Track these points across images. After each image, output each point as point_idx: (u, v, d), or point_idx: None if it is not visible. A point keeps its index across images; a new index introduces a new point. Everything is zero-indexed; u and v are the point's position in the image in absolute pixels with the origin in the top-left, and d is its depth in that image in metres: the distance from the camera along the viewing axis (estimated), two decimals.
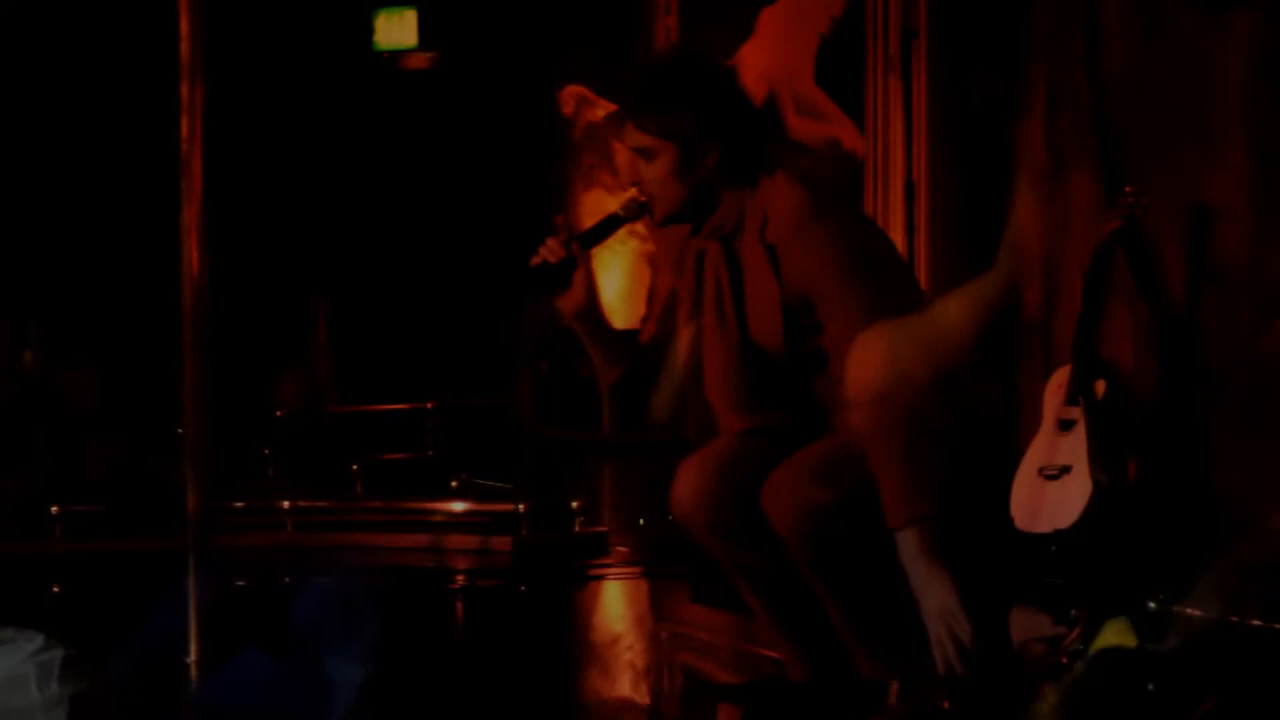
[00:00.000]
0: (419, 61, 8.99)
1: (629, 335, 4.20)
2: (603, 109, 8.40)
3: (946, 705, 3.78)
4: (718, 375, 4.05)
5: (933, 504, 3.73)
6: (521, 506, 6.76)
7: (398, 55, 8.99)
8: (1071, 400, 5.60)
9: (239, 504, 6.90)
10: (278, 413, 8.17)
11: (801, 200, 3.94)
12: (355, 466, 7.64)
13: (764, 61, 7.76)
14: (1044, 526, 5.59)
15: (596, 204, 8.32)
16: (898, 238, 6.67)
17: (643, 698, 4.78)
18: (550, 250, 3.95)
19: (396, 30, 8.91)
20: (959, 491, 3.87)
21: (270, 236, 8.45)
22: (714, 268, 4.02)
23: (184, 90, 3.95)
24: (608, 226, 4.05)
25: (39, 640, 2.84)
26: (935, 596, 3.74)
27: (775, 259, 3.89)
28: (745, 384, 4.04)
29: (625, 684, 4.94)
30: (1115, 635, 3.87)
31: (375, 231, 8.88)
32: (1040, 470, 5.64)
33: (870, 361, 3.79)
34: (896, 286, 4.04)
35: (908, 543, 3.72)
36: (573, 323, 4.05)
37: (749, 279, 3.97)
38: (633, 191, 4.01)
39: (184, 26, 3.92)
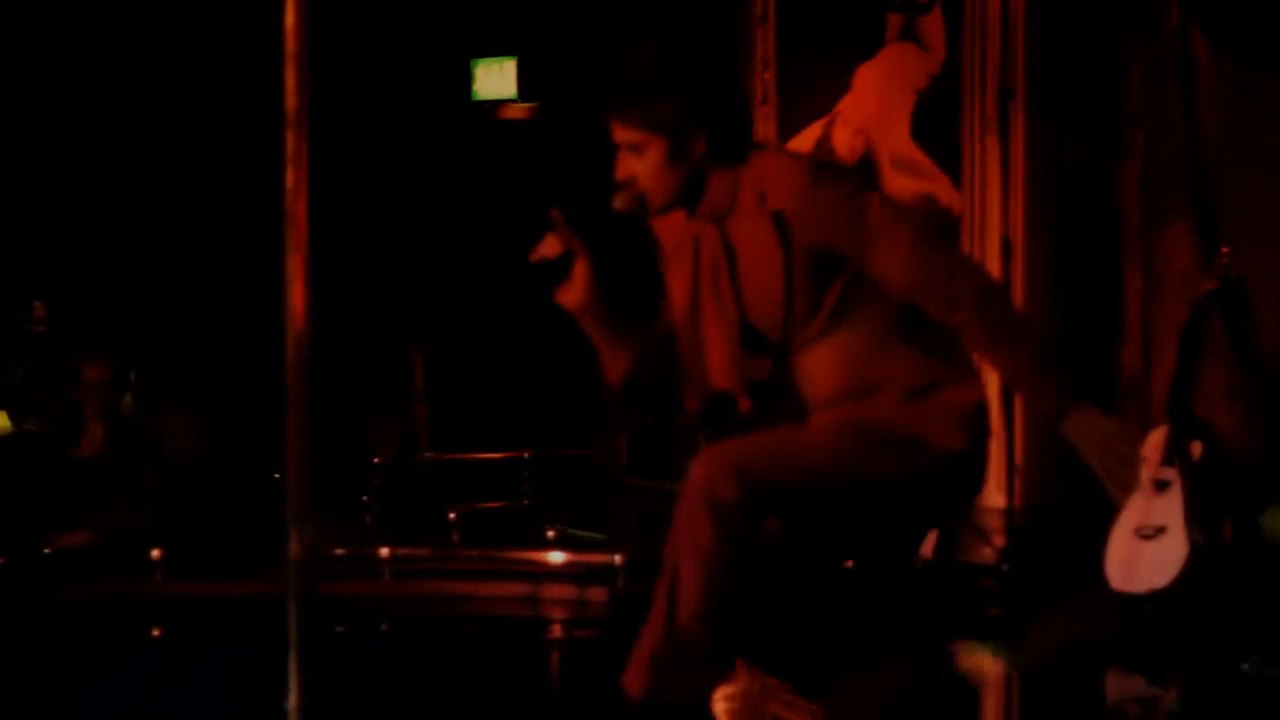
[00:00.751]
0: (517, 112, 9.05)
1: (636, 327, 4.16)
2: None
3: None
4: (720, 359, 4.05)
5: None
6: (617, 558, 6.76)
7: (497, 105, 9.06)
8: (1168, 461, 5.60)
9: (338, 551, 6.94)
10: (376, 460, 8.22)
11: (799, 165, 4.02)
12: (452, 515, 7.67)
13: (861, 117, 7.80)
14: (1140, 587, 5.59)
15: None
16: None
17: None
18: (549, 245, 3.99)
19: (496, 81, 8.97)
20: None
21: (370, 284, 8.53)
22: (711, 250, 4.02)
23: (289, 140, 4.00)
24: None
25: None
26: (1094, 430, 3.71)
27: (783, 226, 3.86)
28: (746, 365, 4.03)
29: None
30: None
31: (473, 280, 8.93)
32: (1136, 530, 5.64)
33: (944, 252, 3.93)
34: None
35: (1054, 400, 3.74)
36: (576, 316, 4.05)
37: (745, 256, 3.96)
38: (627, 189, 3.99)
39: (290, 78, 3.97)
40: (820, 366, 3.92)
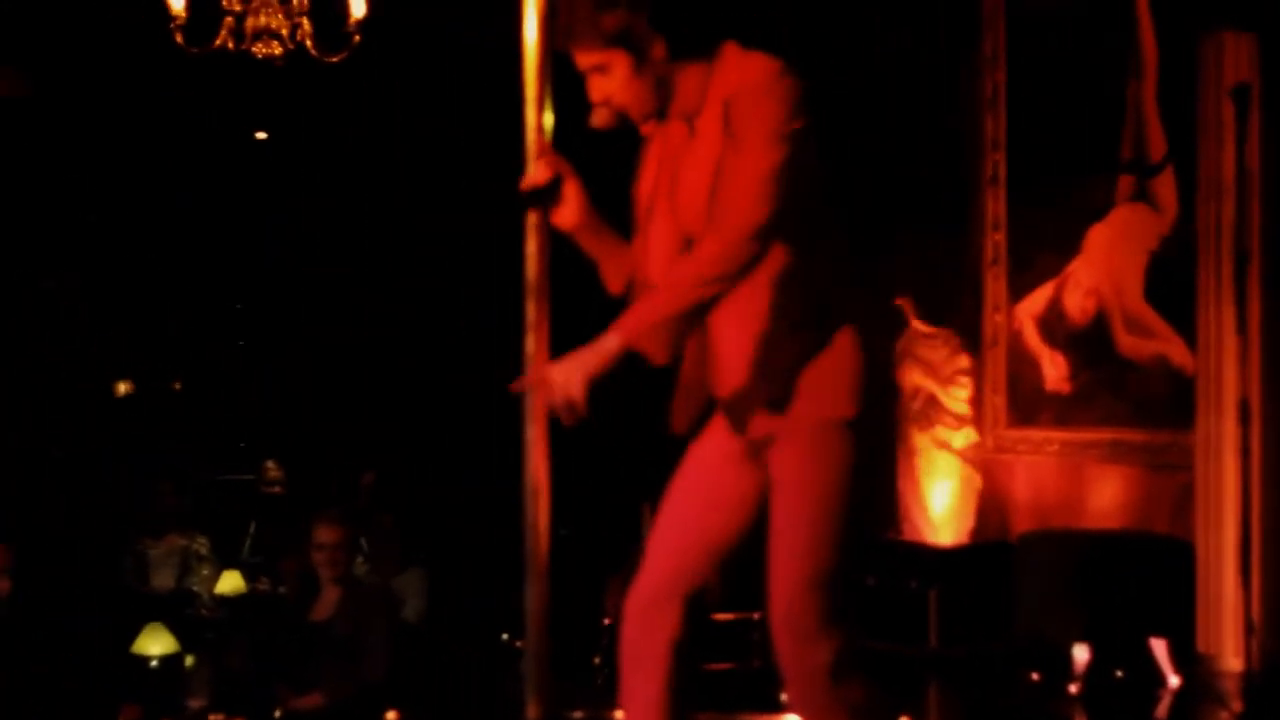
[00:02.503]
0: None
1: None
2: (924, 327, 8.40)
3: None
4: (659, 260, 4.01)
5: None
6: None
7: None
8: None
9: (573, 715, 6.93)
10: (605, 621, 8.24)
11: (764, 60, 3.87)
12: None
13: (1093, 278, 7.75)
14: None
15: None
16: (1229, 459, 6.57)
17: None
18: (538, 172, 3.95)
19: None
20: None
21: (600, 446, 8.60)
22: (671, 148, 4.01)
23: (530, 308, 4.08)
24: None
25: None
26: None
27: (727, 117, 3.84)
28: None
29: None
30: None
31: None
32: None
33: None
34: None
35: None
36: (573, 235, 4.04)
37: (695, 153, 3.93)
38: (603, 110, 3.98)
39: (531, 246, 4.06)
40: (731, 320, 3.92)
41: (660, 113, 3.98)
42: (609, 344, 3.77)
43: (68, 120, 9.68)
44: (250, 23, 7.72)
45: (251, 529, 10.03)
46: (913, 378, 8.38)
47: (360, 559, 8.38)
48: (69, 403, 10.15)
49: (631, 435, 8.81)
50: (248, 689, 7.20)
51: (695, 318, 3.91)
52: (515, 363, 4.13)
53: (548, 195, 3.98)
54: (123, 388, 11.37)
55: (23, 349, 9.52)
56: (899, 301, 8.44)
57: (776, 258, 3.84)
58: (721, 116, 3.84)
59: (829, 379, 3.89)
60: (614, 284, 4.12)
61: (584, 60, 3.91)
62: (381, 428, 9.17)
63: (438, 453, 8.86)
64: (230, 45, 7.74)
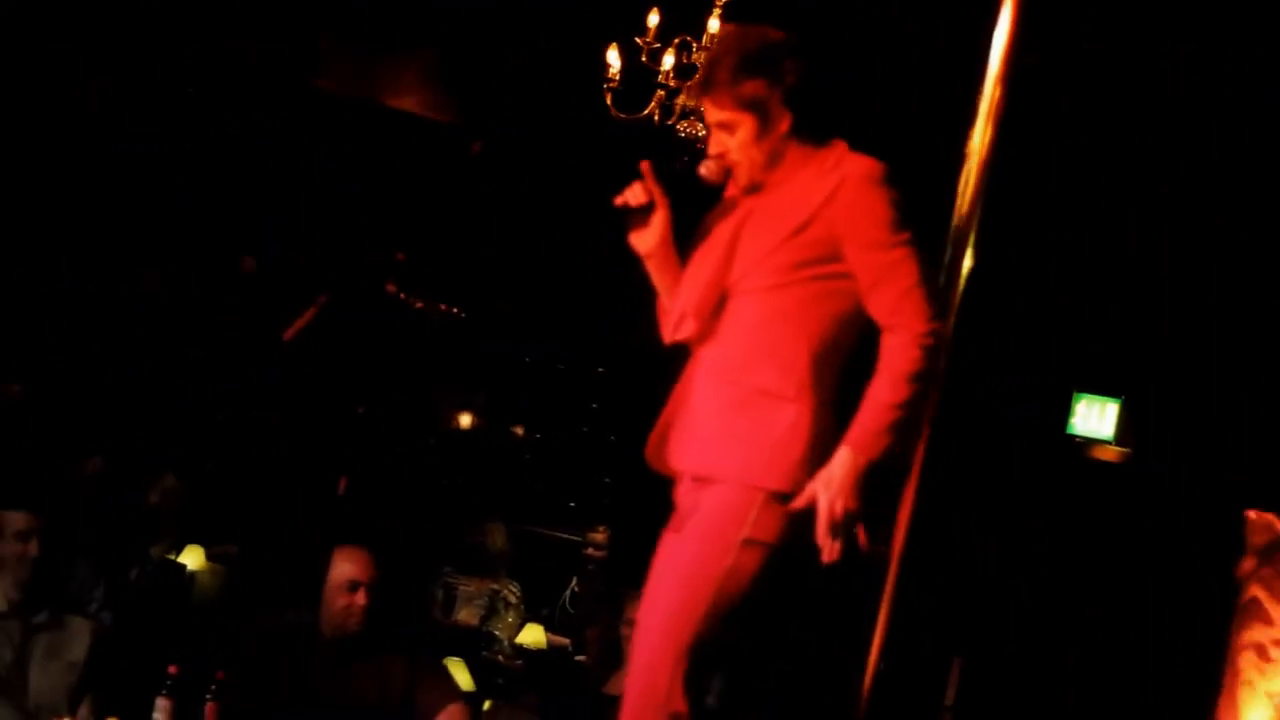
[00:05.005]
0: (1110, 454, 8.95)
1: None
2: None
3: None
4: (692, 283, 4.28)
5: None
6: None
7: (1090, 444, 8.97)
8: None
9: None
10: None
11: (878, 165, 4.14)
12: None
13: None
14: None
15: None
16: None
17: None
18: (633, 194, 4.22)
19: (1095, 420, 8.90)
20: None
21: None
22: (743, 210, 4.25)
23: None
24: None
25: None
26: None
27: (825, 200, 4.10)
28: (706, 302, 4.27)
29: None
30: None
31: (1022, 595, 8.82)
32: None
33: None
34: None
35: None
36: (644, 258, 4.32)
37: (769, 219, 4.18)
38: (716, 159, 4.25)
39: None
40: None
41: (759, 185, 4.24)
42: (854, 464, 3.97)
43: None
44: (680, 100, 7.82)
45: (573, 585, 10.04)
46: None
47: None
48: (427, 433, 10.35)
49: None
50: None
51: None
52: None
53: (636, 216, 4.24)
54: (465, 420, 11.52)
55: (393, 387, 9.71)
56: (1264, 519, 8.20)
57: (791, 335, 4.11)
58: (810, 197, 4.12)
59: (773, 448, 4.06)
60: (666, 329, 4.34)
61: (713, 115, 4.22)
62: None
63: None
64: (656, 118, 7.85)
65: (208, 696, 5.32)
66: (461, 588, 9.36)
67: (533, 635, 9.23)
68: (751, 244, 4.17)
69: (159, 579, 8.01)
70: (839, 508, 3.93)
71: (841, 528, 3.95)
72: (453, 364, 9.83)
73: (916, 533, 4.17)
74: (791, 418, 4.05)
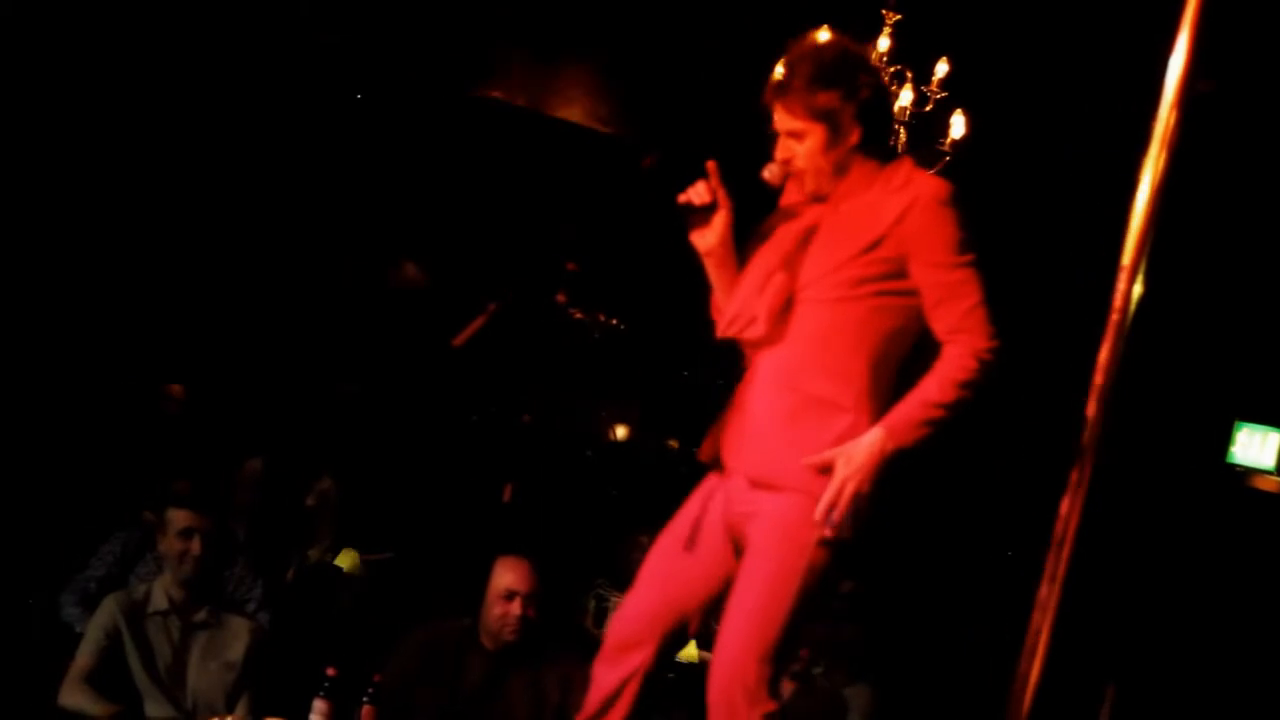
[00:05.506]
0: (1270, 484, 8.84)
1: None
2: None
3: None
4: (748, 285, 4.31)
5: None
6: None
7: (1250, 473, 8.86)
8: None
9: None
10: None
11: (946, 185, 4.19)
12: None
13: None
14: None
15: None
16: None
17: None
18: (697, 193, 4.29)
19: (1256, 449, 8.80)
20: None
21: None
22: (806, 220, 4.28)
23: (1051, 562, 4.13)
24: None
25: None
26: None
27: (897, 219, 4.13)
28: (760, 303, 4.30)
29: None
30: None
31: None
32: None
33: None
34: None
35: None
36: (703, 256, 4.38)
37: (838, 233, 4.22)
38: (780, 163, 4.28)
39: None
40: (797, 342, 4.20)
41: (824, 195, 4.27)
42: (882, 447, 4.05)
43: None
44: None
45: None
46: None
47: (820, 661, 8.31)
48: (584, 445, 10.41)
49: None
50: None
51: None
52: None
53: (699, 215, 4.30)
54: (621, 432, 11.56)
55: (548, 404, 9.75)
56: None
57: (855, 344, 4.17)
58: (881, 215, 4.15)
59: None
60: (720, 325, 4.38)
61: (784, 122, 4.23)
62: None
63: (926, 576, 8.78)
64: None
65: (365, 699, 5.38)
66: (614, 598, 9.39)
67: (684, 649, 9.22)
68: (820, 255, 4.23)
69: (314, 581, 8.09)
70: (850, 488, 4.02)
71: (844, 506, 4.02)
72: (611, 376, 9.87)
73: (1078, 559, 4.13)
74: (848, 427, 4.10)
